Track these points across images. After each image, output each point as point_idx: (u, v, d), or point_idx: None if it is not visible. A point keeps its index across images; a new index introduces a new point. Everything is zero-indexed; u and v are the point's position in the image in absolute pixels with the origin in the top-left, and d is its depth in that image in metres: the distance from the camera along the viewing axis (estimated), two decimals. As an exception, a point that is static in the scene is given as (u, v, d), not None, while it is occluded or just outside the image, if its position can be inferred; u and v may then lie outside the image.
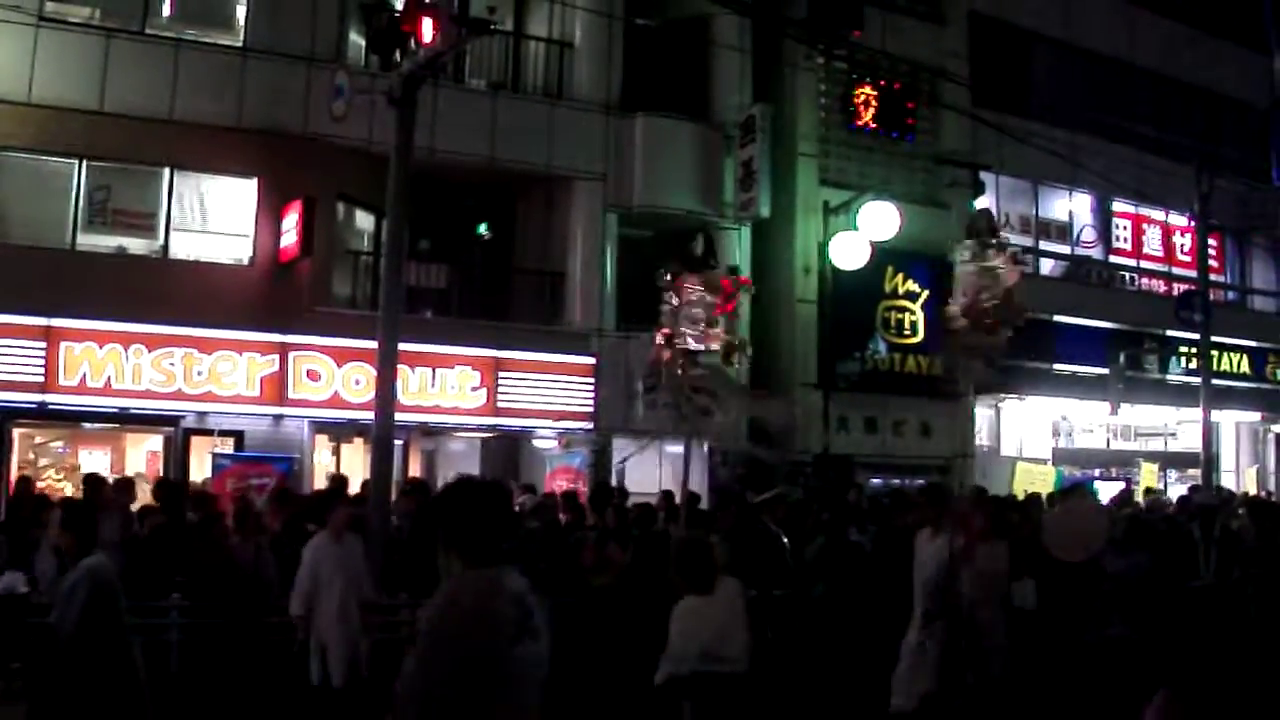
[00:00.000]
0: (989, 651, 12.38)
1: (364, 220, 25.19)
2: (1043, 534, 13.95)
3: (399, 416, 18.13)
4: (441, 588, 5.64)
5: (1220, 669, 3.32)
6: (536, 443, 25.83)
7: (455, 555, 5.68)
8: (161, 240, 22.77)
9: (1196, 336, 32.28)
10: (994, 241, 13.34)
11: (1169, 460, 34.65)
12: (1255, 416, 37.93)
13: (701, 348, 13.96)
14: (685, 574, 9.70)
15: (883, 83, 29.83)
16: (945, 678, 12.27)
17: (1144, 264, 36.26)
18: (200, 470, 21.62)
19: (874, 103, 29.79)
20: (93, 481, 17.22)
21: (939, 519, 12.81)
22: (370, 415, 17.77)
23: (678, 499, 20.10)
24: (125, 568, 14.97)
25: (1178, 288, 35.10)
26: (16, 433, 21.86)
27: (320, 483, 21.92)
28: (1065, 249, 34.62)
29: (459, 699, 5.30)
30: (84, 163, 22.23)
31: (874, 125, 29.77)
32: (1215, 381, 32.50)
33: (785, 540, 16.35)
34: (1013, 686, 12.59)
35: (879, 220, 27.12)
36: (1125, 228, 35.98)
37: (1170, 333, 33.67)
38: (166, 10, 23.50)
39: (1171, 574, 15.92)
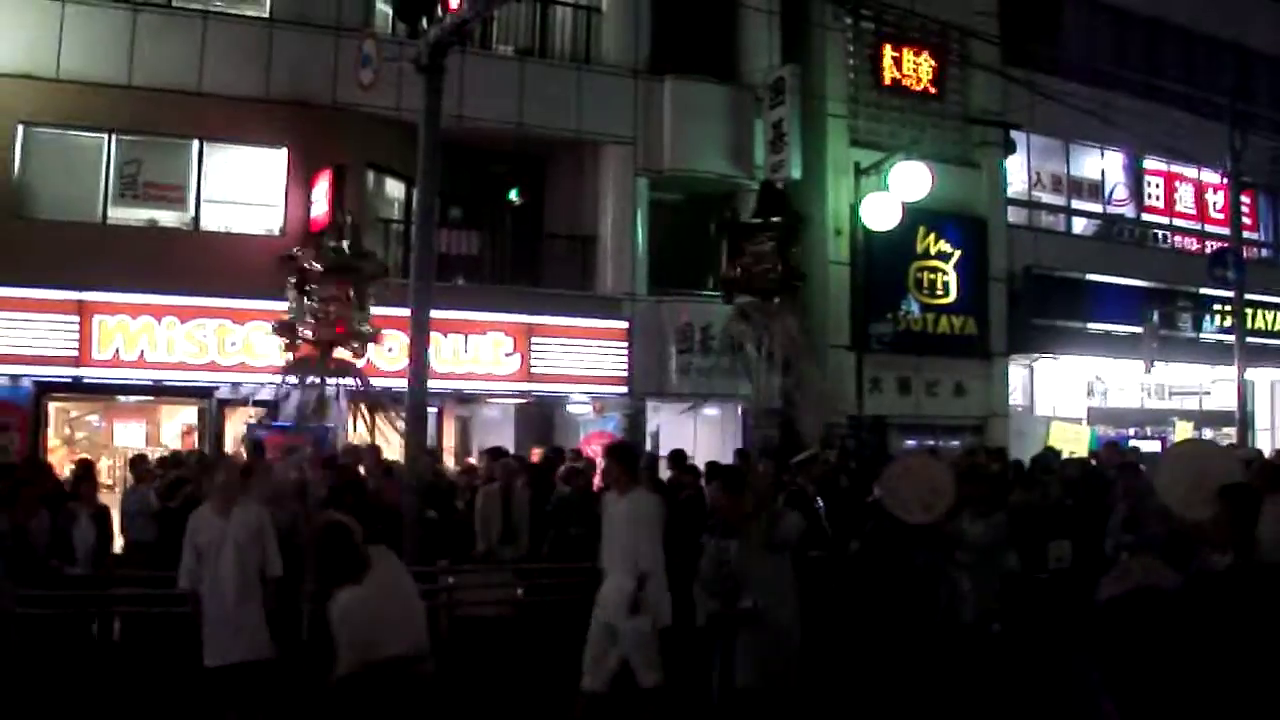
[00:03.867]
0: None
1: (394, 188, 25.17)
2: (882, 493, 12.83)
3: (433, 384, 18.16)
4: None
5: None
6: (571, 408, 25.88)
7: None
8: (192, 212, 22.81)
9: (1230, 294, 32.11)
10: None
11: (1204, 419, 34.47)
12: (1290, 374, 37.81)
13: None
14: (328, 568, 8.23)
15: (912, 42, 29.69)
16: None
17: (1176, 222, 36.11)
18: (235, 441, 21.67)
19: (903, 62, 29.67)
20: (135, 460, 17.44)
21: (626, 479, 11.99)
22: (404, 383, 17.79)
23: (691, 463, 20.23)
24: (159, 539, 15.19)
25: (1210, 245, 34.90)
26: (52, 407, 22.00)
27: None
28: (1097, 207, 34.48)
29: None
30: (113, 136, 22.27)
31: (904, 85, 29.66)
32: (1249, 339, 32.36)
33: (820, 501, 16.29)
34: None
35: (910, 180, 27.02)
36: (1157, 185, 35.79)
37: (1204, 290, 33.46)
38: (193, -18, 23.47)
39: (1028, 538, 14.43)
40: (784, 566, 10.71)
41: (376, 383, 22.55)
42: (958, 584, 12.37)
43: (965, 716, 11.23)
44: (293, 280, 12.39)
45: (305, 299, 12.30)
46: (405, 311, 17.71)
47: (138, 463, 17.39)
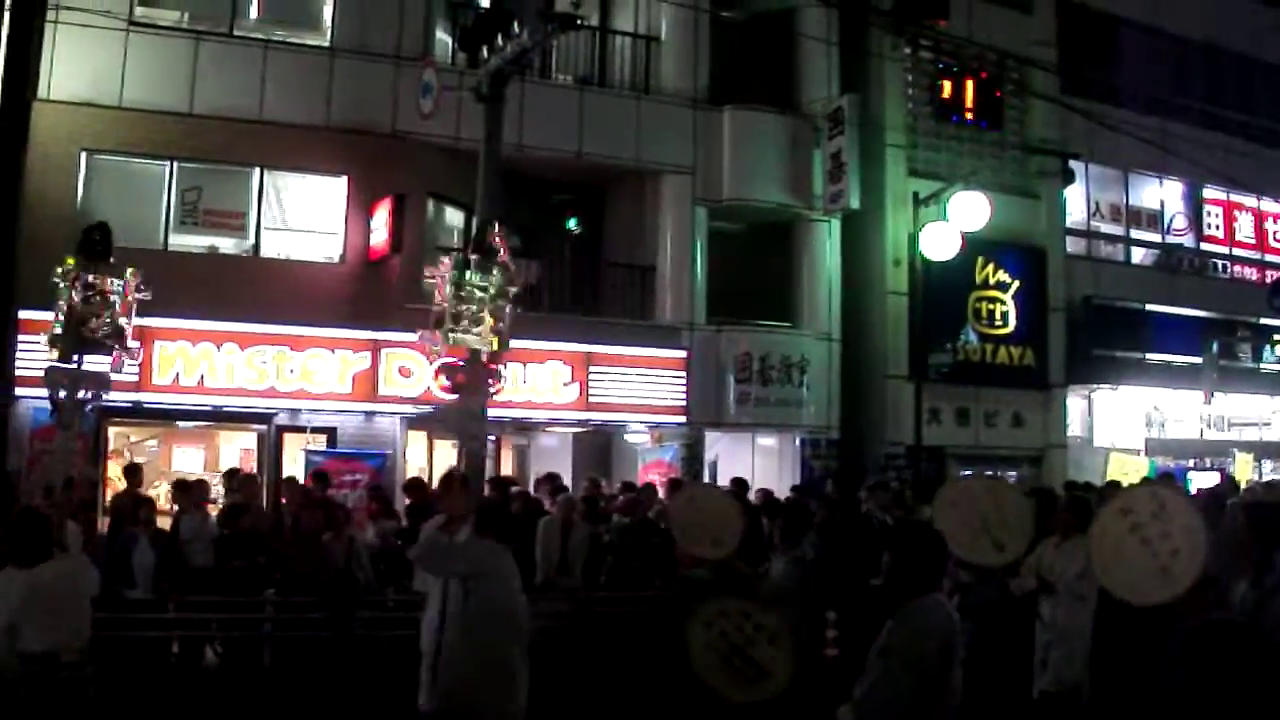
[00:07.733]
0: None
1: (454, 217, 25.22)
2: (670, 527, 12.00)
3: (491, 412, 18.16)
4: None
5: None
6: (629, 437, 25.83)
7: None
8: (252, 239, 22.92)
9: (1290, 324, 32.01)
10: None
11: (1264, 450, 34.21)
12: (1351, 406, 37.47)
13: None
14: (13, 543, 8.37)
15: (970, 72, 29.65)
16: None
17: (1236, 251, 35.79)
18: (293, 467, 21.74)
19: (962, 92, 29.62)
20: (181, 486, 17.50)
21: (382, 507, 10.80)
22: (463, 411, 17.80)
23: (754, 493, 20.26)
24: (216, 565, 15.33)
25: (1270, 275, 34.72)
26: (112, 431, 22.09)
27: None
28: (1156, 237, 34.21)
29: None
30: (175, 164, 22.43)
31: (962, 115, 29.59)
32: (1310, 370, 32.22)
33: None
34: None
35: (969, 210, 26.99)
36: (1217, 215, 35.51)
37: (1264, 321, 33.31)
38: (254, 12, 23.63)
39: (849, 569, 13.24)
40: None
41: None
42: None
43: None
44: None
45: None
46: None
47: (182, 488, 17.35)
